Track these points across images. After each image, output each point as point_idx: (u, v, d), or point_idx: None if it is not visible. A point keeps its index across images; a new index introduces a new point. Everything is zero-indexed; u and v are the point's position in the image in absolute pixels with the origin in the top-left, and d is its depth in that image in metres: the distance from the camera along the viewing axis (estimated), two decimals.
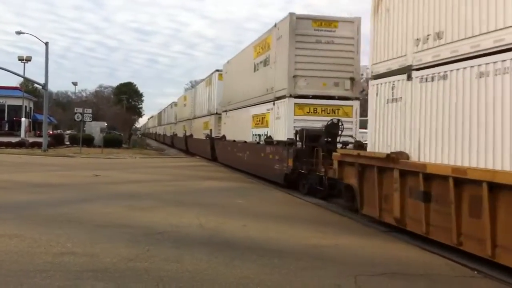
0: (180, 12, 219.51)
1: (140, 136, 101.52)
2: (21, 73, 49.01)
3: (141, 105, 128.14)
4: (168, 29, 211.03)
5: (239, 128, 24.44)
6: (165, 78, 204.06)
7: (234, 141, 25.08)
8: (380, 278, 6.69)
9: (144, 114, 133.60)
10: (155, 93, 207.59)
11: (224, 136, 27.76)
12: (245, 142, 22.76)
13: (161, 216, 10.86)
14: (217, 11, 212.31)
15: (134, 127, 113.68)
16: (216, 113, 30.81)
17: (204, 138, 33.88)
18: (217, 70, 31.34)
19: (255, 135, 21.38)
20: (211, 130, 31.70)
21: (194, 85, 61.40)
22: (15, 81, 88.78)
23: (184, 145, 44.43)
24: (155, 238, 8.57)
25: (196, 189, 16.57)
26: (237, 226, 10.03)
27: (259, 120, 20.86)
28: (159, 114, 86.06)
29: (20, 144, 40.61)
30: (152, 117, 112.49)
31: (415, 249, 8.70)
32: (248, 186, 18.30)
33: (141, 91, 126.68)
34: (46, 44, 38.80)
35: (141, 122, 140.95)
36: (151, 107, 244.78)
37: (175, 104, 59.42)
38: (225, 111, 28.05)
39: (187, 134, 43.45)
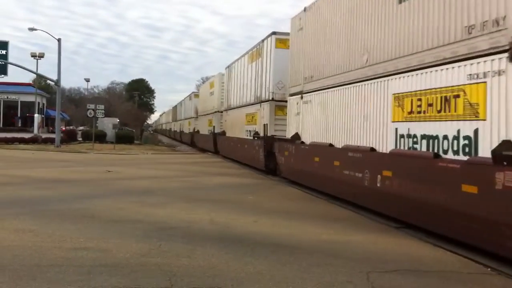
0: (191, 8, 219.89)
1: (151, 132, 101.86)
2: (34, 70, 49.39)
3: (152, 102, 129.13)
4: (179, 25, 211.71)
5: (346, 122, 13.02)
6: (176, 74, 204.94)
7: (330, 146, 13.77)
8: (393, 275, 6.66)
9: (155, 111, 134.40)
10: (166, 89, 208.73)
11: (297, 137, 16.54)
12: (395, 154, 10.42)
13: (172, 211, 10.91)
14: (228, 7, 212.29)
15: (145, 123, 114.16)
16: (273, 100, 20.52)
17: (251, 138, 23.33)
18: (274, 33, 20.97)
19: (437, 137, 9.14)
20: (265, 125, 20.59)
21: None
22: (28, 78, 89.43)
23: (212, 146, 34.49)
24: (167, 233, 8.60)
25: (207, 185, 16.60)
26: (248, 222, 10.03)
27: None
28: (174, 108, 75.37)
29: (33, 140, 41.02)
30: (164, 113, 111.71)
31: (427, 245, 8.63)
32: (258, 182, 18.28)
33: (152, 88, 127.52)
34: (59, 40, 39.04)
35: (152, 118, 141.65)
36: (163, 103, 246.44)
37: (195, 94, 49.21)
38: (299, 94, 16.61)
39: (216, 131, 33.80)
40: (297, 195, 15.10)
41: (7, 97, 75.68)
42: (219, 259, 7.03)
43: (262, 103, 21.97)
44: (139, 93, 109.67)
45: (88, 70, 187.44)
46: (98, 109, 38.73)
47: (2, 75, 48.29)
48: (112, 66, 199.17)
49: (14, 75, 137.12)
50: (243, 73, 26.47)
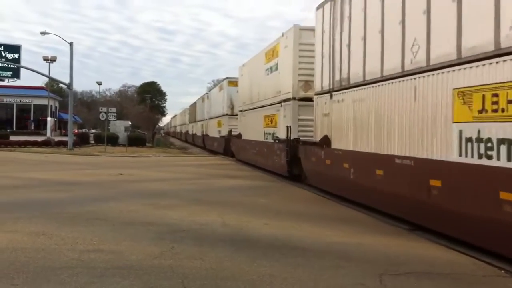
0: (203, 11, 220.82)
1: (163, 135, 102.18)
2: (47, 73, 49.84)
3: (164, 104, 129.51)
4: (191, 28, 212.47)
5: None
6: (188, 77, 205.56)
7: None
8: (405, 277, 6.62)
9: (167, 113, 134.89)
10: (178, 92, 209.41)
11: None
12: None
13: (184, 214, 10.93)
14: (240, 10, 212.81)
15: (157, 126, 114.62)
16: None
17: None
18: None
19: None
20: None
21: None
22: (41, 81, 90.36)
23: (285, 164, 18.90)
24: (179, 236, 8.63)
25: (219, 188, 16.62)
26: (259, 224, 10.03)
27: None
28: (192, 106, 62.01)
29: (46, 143, 41.39)
30: (176, 115, 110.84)
31: (440, 247, 8.58)
32: (270, 185, 18.25)
33: (164, 91, 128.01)
34: (71, 44, 39.39)
35: (164, 121, 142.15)
36: (174, 106, 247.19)
37: (230, 81, 34.25)
38: None
39: (293, 136, 18.18)
40: (307, 197, 15.07)
41: (20, 101, 76.38)
42: (231, 261, 7.04)
43: None
44: (150, 96, 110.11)
45: (100, 73, 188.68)
46: (110, 112, 38.95)
47: (15, 79, 48.91)
48: (124, 69, 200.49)
49: (27, 78, 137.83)
50: None
